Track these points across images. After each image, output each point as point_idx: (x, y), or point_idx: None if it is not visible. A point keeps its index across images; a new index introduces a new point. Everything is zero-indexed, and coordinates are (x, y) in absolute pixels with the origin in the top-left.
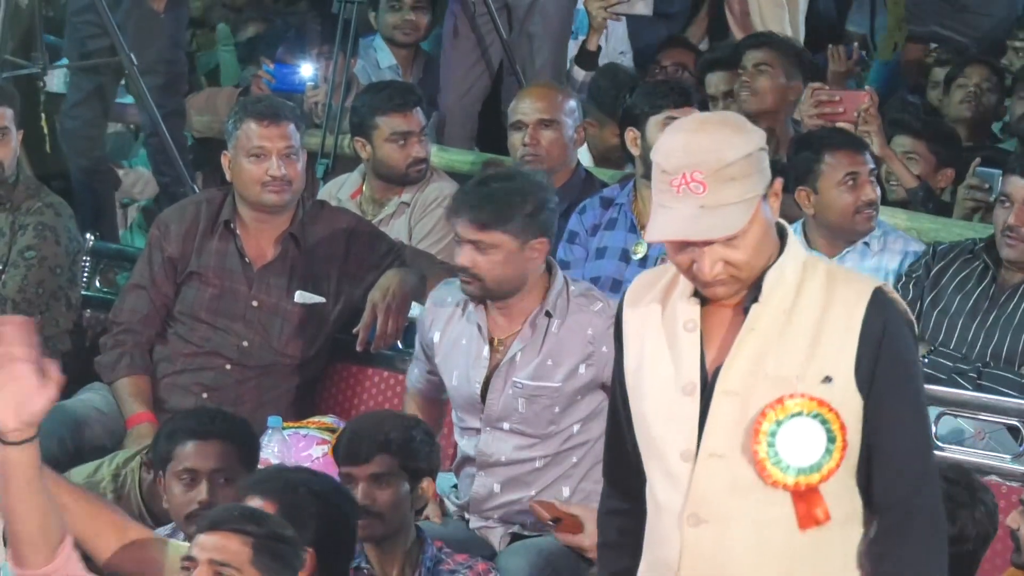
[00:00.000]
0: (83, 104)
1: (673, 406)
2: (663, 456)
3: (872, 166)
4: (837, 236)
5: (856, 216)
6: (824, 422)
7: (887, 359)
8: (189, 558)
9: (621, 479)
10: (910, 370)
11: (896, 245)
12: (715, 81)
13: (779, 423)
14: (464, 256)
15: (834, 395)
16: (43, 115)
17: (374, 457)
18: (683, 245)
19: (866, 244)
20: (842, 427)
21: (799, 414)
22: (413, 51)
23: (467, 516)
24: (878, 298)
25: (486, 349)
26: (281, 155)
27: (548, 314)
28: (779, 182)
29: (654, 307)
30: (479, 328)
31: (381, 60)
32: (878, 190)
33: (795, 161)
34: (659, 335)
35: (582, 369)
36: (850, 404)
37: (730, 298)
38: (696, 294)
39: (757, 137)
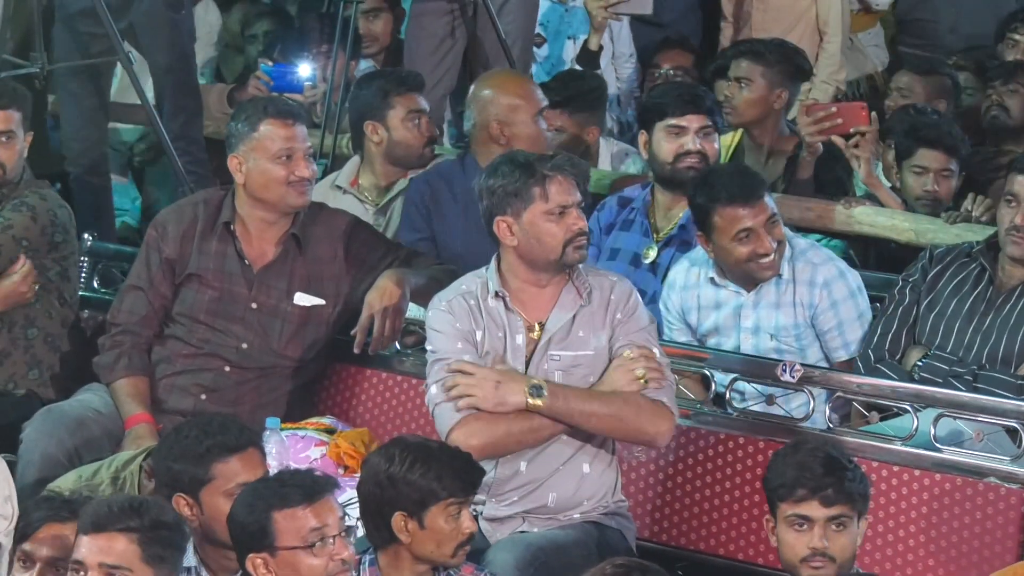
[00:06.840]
0: (86, 127)
1: None
2: None
3: None
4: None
5: None
6: None
7: None
8: (77, 562)
9: None
10: None
11: (804, 275)
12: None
13: None
14: None
15: None
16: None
17: None
18: None
19: (779, 276)
20: None
21: None
22: (385, 53)
23: (478, 509)
24: None
25: (520, 337)
26: (306, 155)
27: (579, 292)
28: None
29: None
30: (507, 320)
31: None
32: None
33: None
34: None
35: (604, 338)
36: None
37: None
38: None
39: None
